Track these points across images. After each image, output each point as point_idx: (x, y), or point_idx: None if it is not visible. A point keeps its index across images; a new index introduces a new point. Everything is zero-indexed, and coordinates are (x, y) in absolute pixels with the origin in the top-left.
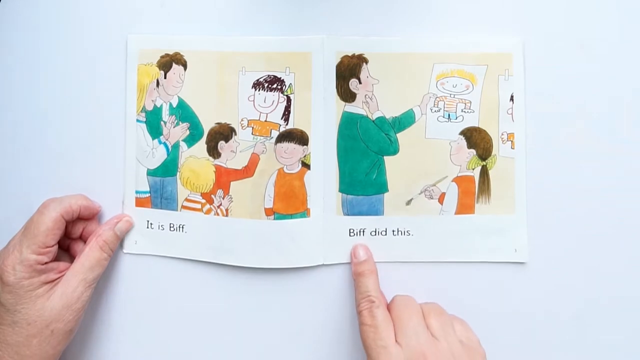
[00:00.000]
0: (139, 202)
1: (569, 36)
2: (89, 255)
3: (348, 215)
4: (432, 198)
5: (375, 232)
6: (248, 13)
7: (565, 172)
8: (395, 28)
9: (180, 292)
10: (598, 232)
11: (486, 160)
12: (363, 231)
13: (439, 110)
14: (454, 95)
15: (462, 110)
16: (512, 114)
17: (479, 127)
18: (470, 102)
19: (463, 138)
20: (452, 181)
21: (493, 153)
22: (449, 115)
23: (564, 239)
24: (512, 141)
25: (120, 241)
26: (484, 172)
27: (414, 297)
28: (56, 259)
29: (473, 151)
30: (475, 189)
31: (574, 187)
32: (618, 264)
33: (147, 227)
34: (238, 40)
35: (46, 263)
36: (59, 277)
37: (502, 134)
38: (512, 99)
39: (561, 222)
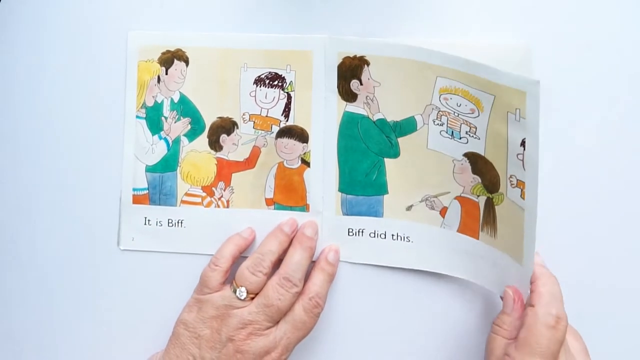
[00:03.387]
0: (136, 199)
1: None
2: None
3: (347, 215)
4: (433, 209)
5: (375, 234)
6: (250, 10)
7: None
8: (399, 31)
9: (180, 287)
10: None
11: (493, 195)
12: (362, 232)
13: (442, 125)
14: (459, 114)
15: (466, 133)
16: (522, 160)
17: (485, 157)
18: (476, 128)
19: (468, 161)
20: (455, 199)
21: (500, 191)
22: (452, 132)
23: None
24: (522, 190)
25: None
26: (490, 205)
27: (415, 305)
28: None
29: (478, 178)
30: (480, 217)
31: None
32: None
33: (145, 224)
34: (240, 37)
35: None
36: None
37: (511, 177)
38: (523, 144)
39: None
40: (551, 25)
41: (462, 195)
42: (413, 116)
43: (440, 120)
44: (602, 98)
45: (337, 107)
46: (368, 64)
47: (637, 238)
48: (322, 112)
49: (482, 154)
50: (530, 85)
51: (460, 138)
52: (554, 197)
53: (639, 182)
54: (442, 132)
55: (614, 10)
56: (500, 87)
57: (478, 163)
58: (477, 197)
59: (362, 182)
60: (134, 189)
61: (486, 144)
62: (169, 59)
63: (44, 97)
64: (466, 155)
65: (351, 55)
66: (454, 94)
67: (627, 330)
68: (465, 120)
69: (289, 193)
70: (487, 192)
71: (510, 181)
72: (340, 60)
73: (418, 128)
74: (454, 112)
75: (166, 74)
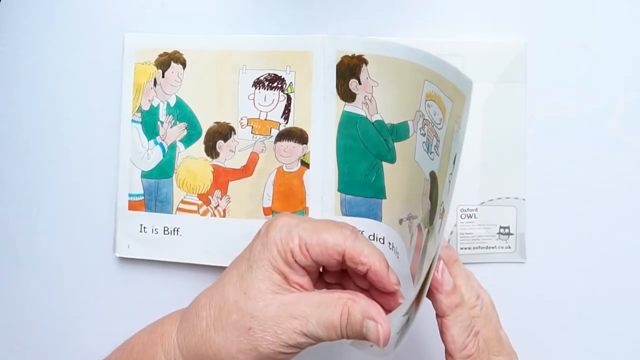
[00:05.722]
0: (132, 206)
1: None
2: (329, 306)
3: (347, 215)
4: (409, 231)
5: (374, 237)
6: (249, 11)
7: (565, 170)
8: (398, 30)
9: (176, 297)
10: (599, 232)
11: (429, 227)
12: (362, 233)
13: (424, 135)
14: (433, 125)
15: (434, 147)
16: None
17: (438, 179)
18: (439, 142)
19: (429, 182)
20: (416, 227)
21: (433, 223)
22: (428, 146)
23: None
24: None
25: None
26: (425, 242)
27: None
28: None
29: (429, 205)
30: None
31: (574, 186)
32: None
33: (140, 231)
34: (239, 38)
35: (296, 262)
36: (294, 289)
37: (442, 204)
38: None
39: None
40: (546, 23)
41: (420, 223)
42: (407, 121)
43: (424, 130)
44: (599, 96)
45: (336, 106)
46: (366, 63)
47: (637, 238)
48: (321, 112)
49: (437, 175)
50: (466, 86)
51: (430, 153)
52: (551, 197)
53: (636, 181)
54: (423, 144)
55: (610, 9)
56: (456, 91)
57: (433, 187)
58: (425, 228)
59: (361, 183)
60: (130, 195)
61: (440, 163)
62: (165, 61)
63: (39, 99)
64: (430, 174)
65: (350, 54)
66: (433, 101)
67: (627, 330)
68: (435, 133)
69: (288, 199)
70: (429, 222)
71: (440, 209)
72: (339, 60)
73: (410, 135)
74: (432, 122)
75: (163, 76)
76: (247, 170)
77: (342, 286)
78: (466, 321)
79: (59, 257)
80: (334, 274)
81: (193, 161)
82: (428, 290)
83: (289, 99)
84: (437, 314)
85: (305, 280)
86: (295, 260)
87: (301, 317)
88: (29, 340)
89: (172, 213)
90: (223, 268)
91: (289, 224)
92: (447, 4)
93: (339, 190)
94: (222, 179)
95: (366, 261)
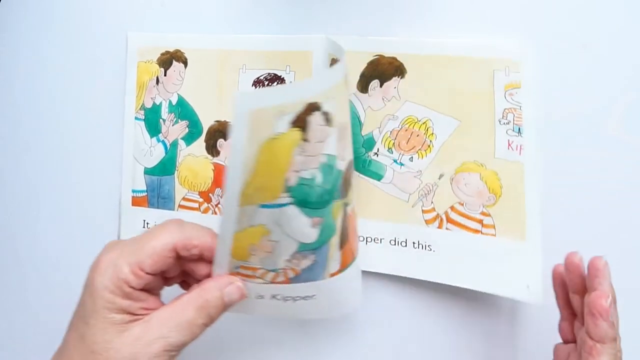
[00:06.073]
0: (136, 202)
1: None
2: (181, 311)
3: None
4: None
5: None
6: (249, 11)
7: (565, 170)
8: (398, 29)
9: (177, 293)
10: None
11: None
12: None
13: None
14: None
15: None
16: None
17: None
18: None
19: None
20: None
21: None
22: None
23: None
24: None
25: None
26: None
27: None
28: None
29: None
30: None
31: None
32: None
33: (144, 227)
34: (239, 38)
35: (136, 289)
36: (142, 316)
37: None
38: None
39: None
40: (546, 23)
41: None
42: None
43: None
44: (599, 96)
45: None
46: None
47: (637, 238)
48: None
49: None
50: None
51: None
52: (551, 197)
53: (636, 181)
54: None
55: (610, 9)
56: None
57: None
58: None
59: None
60: (133, 191)
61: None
62: (167, 60)
63: (43, 98)
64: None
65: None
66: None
67: (627, 330)
68: None
69: None
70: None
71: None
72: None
73: None
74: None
75: (165, 75)
76: None
77: (186, 283)
78: (615, 355)
79: (62, 252)
80: (175, 278)
81: (194, 159)
82: (588, 312)
83: None
84: (589, 337)
85: (150, 301)
86: (133, 287)
87: (158, 338)
88: (29, 340)
89: (174, 210)
90: None
91: (112, 260)
92: (447, 4)
93: None
94: (222, 177)
95: (197, 242)
